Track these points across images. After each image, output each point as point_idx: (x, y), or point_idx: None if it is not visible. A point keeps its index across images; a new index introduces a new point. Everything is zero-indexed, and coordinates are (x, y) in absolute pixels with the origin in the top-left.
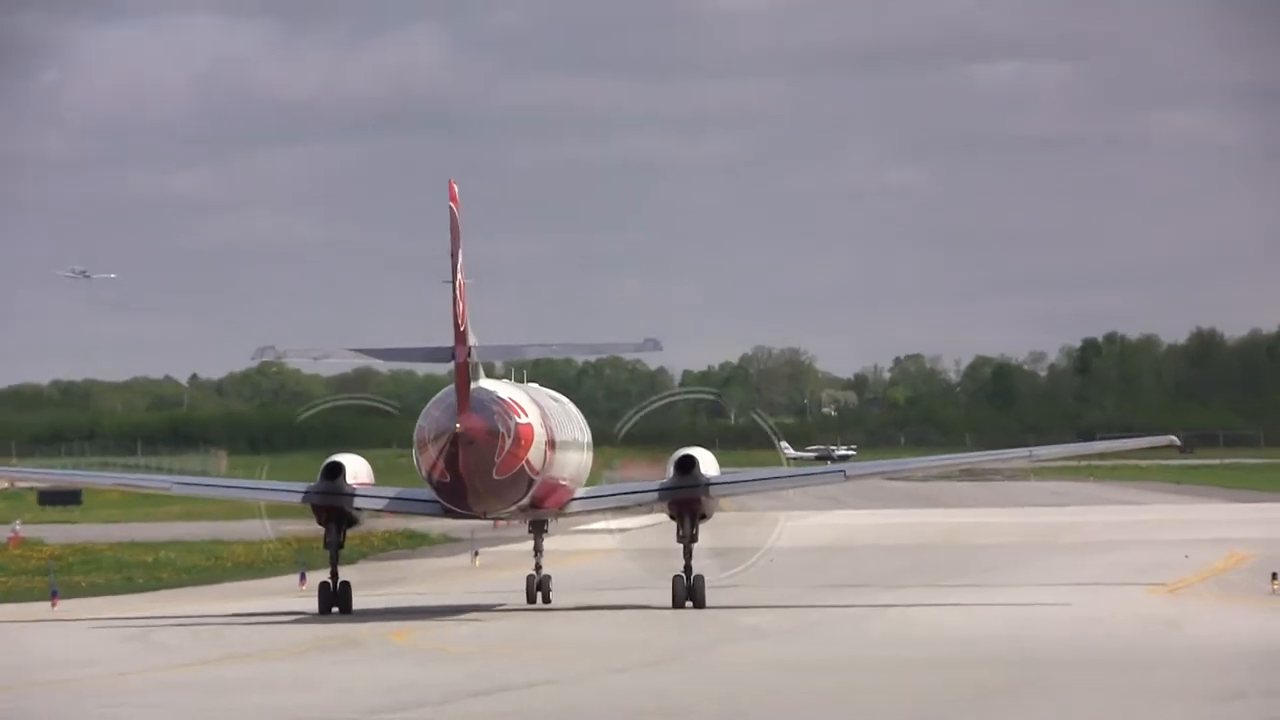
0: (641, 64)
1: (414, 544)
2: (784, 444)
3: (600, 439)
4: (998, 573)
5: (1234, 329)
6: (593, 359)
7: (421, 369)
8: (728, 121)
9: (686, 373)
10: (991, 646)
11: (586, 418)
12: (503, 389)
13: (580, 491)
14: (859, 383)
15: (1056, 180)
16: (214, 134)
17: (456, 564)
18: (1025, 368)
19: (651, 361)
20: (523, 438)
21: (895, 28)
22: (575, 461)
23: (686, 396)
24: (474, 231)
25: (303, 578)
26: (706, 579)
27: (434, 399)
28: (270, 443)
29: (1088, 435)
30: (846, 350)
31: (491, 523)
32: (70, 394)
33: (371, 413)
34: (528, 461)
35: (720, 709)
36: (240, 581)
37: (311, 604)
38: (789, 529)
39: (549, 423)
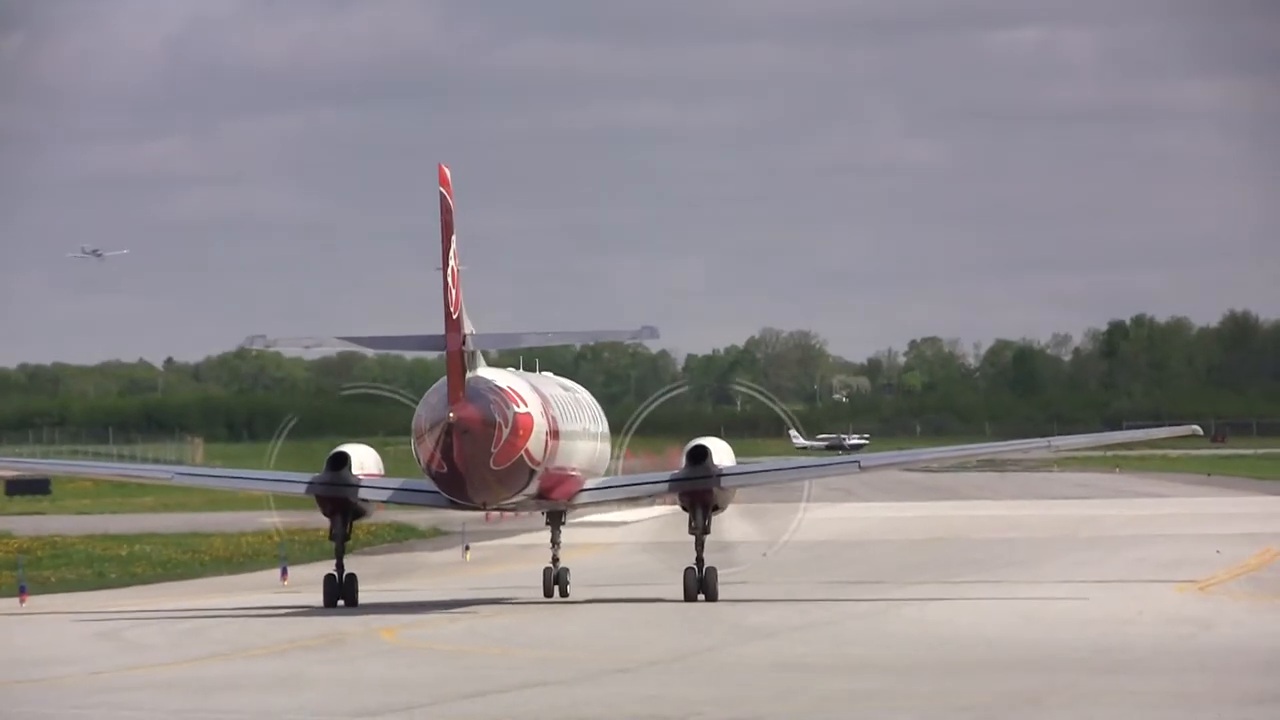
0: (641, 28)
1: (402, 537)
2: (793, 432)
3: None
4: (1018, 569)
5: (1270, 312)
6: (590, 344)
7: (410, 354)
8: (733, 91)
9: (690, 357)
10: (1012, 649)
11: None
12: (501, 377)
13: (590, 482)
14: (872, 368)
15: (1082, 154)
16: (188, 102)
17: (447, 559)
18: (1048, 352)
19: (653, 345)
20: (521, 427)
21: None
22: (587, 451)
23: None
24: (464, 205)
25: (284, 572)
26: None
27: (432, 388)
28: (250, 429)
29: (1114, 424)
30: (859, 333)
31: (484, 516)
32: (38, 378)
33: (355, 401)
34: (527, 451)
35: (729, 714)
36: (219, 576)
37: (314, 598)
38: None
39: (551, 412)
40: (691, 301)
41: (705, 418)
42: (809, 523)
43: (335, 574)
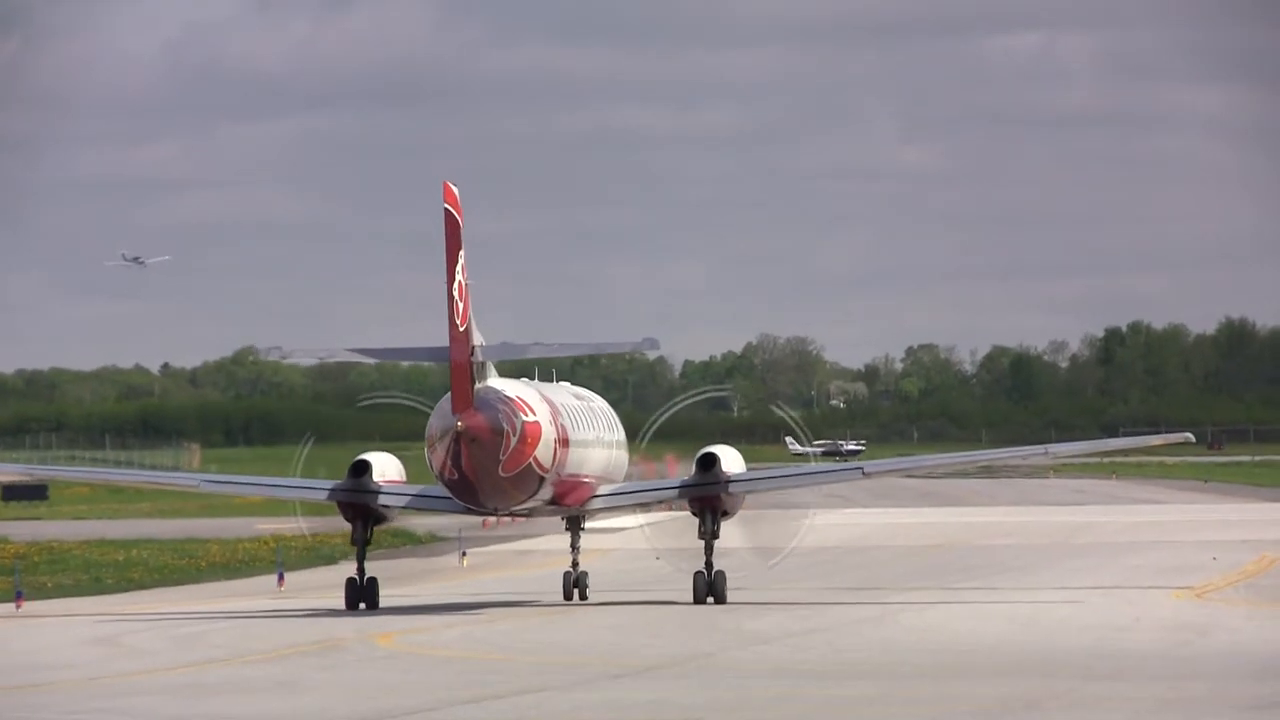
0: (639, 32)
1: (398, 544)
2: (790, 439)
3: None
4: (1016, 575)
5: (1267, 318)
6: (591, 355)
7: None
8: (731, 95)
9: (688, 363)
10: (1009, 654)
11: None
12: (511, 387)
13: (603, 489)
14: (869, 374)
15: (1079, 159)
16: (185, 106)
17: (443, 564)
18: (1045, 358)
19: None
20: (529, 435)
21: None
22: (601, 458)
23: (711, 394)
24: (462, 207)
25: (280, 578)
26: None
27: (445, 397)
28: (247, 435)
29: (1111, 430)
30: (856, 339)
31: (481, 522)
32: (35, 383)
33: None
34: (535, 459)
35: (727, 719)
36: (216, 582)
37: (313, 603)
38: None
39: (561, 420)
40: (689, 306)
41: (703, 424)
42: (806, 529)
43: (357, 577)
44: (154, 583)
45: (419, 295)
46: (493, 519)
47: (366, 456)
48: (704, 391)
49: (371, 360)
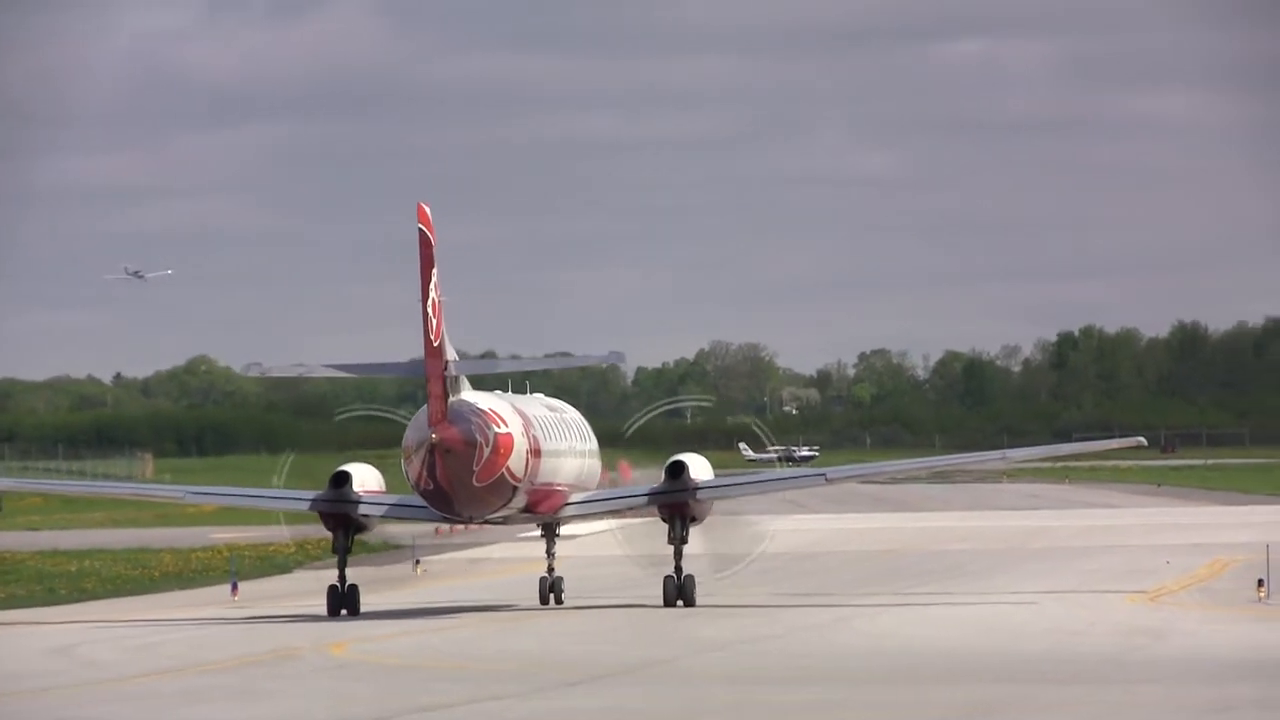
0: (594, 39)
1: (354, 552)
2: (743, 445)
3: None
4: (970, 580)
5: (1218, 322)
6: (556, 369)
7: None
8: (684, 102)
9: (641, 370)
10: (964, 660)
11: None
12: (484, 400)
13: (575, 497)
14: (822, 380)
15: (1031, 166)
16: (139, 116)
17: (398, 573)
18: (998, 363)
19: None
20: (501, 447)
21: (863, 4)
22: (573, 468)
23: (685, 403)
24: (411, 215)
25: (234, 588)
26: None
27: (421, 410)
28: (200, 444)
29: (1064, 435)
30: (809, 345)
31: (434, 529)
32: None
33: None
34: (508, 469)
35: None
36: (169, 592)
37: (265, 611)
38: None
39: (533, 432)
40: (642, 313)
41: (656, 431)
42: (759, 535)
43: (338, 585)
44: (107, 593)
45: (373, 305)
46: (445, 526)
47: (347, 468)
48: (680, 400)
49: (348, 375)
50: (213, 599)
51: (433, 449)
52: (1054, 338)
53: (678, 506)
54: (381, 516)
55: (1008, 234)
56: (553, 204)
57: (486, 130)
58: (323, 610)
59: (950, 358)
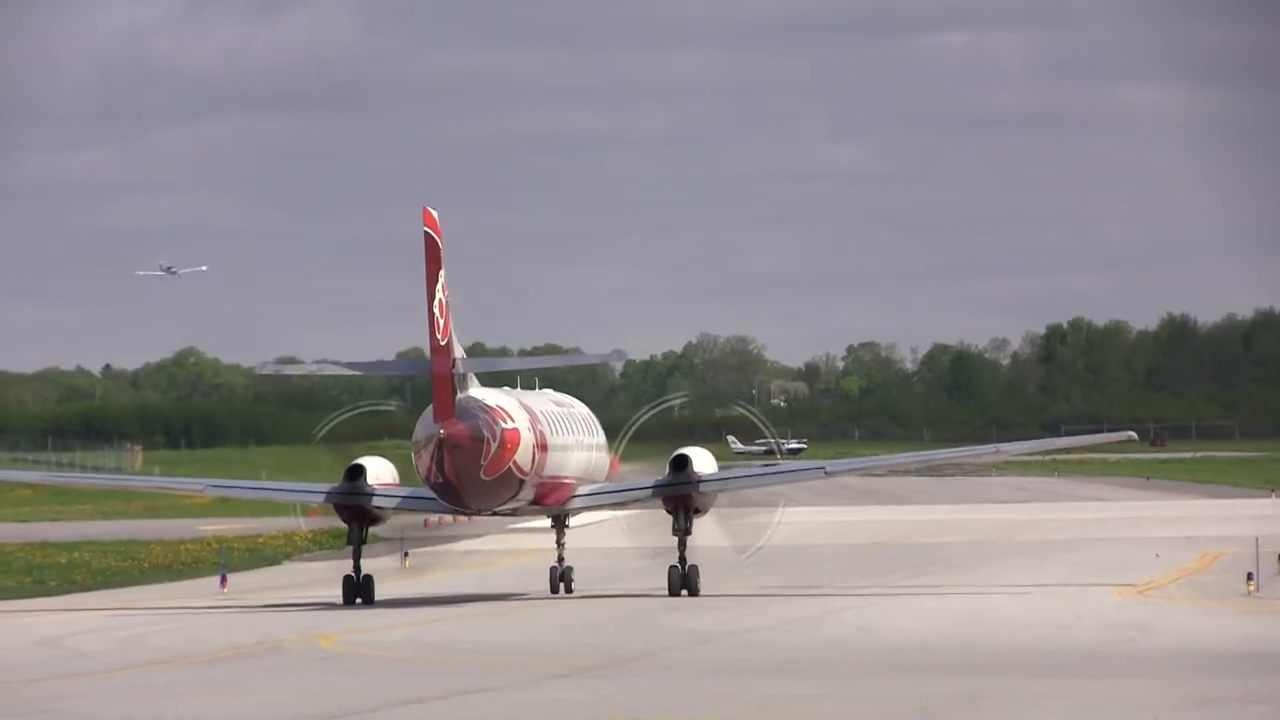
0: (573, 34)
1: (341, 544)
2: (731, 438)
3: None
4: (957, 574)
5: (1207, 315)
6: (560, 365)
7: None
8: (667, 96)
9: (629, 363)
10: (951, 653)
11: None
12: (491, 396)
13: (582, 489)
14: (810, 372)
15: (1019, 159)
16: (118, 111)
17: (385, 565)
18: (986, 356)
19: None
20: (508, 441)
21: None
22: (580, 461)
23: (672, 401)
24: (395, 210)
25: (223, 580)
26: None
27: (430, 406)
28: (188, 437)
29: (1053, 428)
30: (797, 338)
31: (423, 521)
32: None
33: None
34: (515, 463)
35: (667, 718)
36: (159, 584)
37: (251, 601)
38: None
39: (540, 427)
40: (629, 307)
41: (645, 425)
42: (749, 528)
43: (354, 575)
44: (96, 585)
45: (360, 299)
46: (435, 518)
47: (361, 461)
48: (669, 399)
49: (358, 373)
50: (202, 591)
51: (441, 444)
52: (1042, 330)
53: (682, 499)
54: (394, 508)
55: (996, 227)
56: (537, 199)
57: (471, 125)
58: (330, 600)
59: (938, 350)
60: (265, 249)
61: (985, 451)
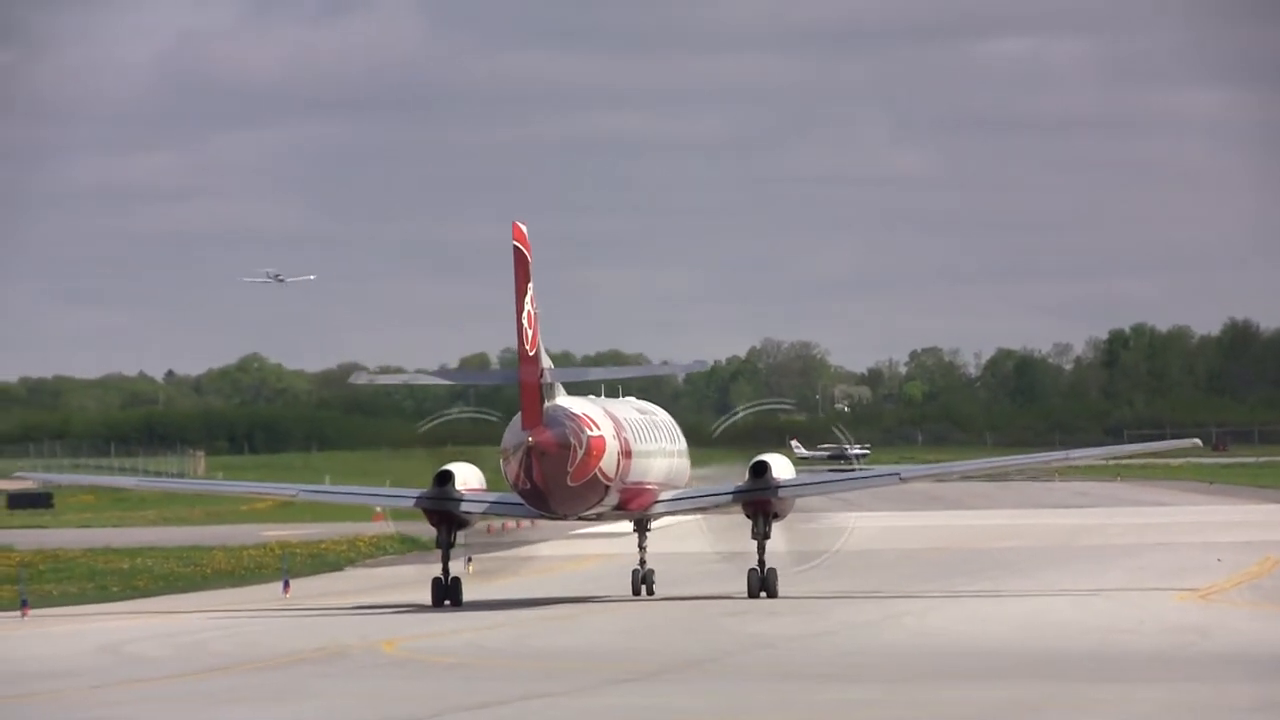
0: (633, 38)
1: (405, 549)
2: (795, 442)
3: None
4: (1019, 579)
5: (1270, 319)
6: (646, 375)
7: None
8: (727, 100)
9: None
10: (1012, 659)
11: None
12: (577, 405)
13: (665, 494)
14: (873, 377)
15: (1081, 162)
16: (180, 116)
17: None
18: (1049, 361)
19: (654, 357)
20: (594, 449)
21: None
22: (663, 467)
23: (766, 406)
24: (454, 216)
25: (285, 585)
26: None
27: (517, 414)
28: (251, 442)
29: (1116, 432)
30: (860, 343)
31: (485, 527)
32: (39, 392)
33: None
34: (600, 469)
35: None
36: (221, 590)
37: (313, 605)
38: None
39: (624, 434)
40: (691, 312)
41: (706, 429)
42: (811, 533)
43: (442, 577)
44: (159, 591)
45: (416, 302)
46: (496, 524)
47: (450, 467)
48: (764, 403)
49: (449, 382)
50: (265, 597)
51: (529, 451)
52: (1105, 335)
53: (761, 504)
54: (482, 513)
55: (1058, 231)
56: (598, 203)
57: (531, 129)
58: (420, 602)
59: (1002, 355)
60: (327, 253)
61: (1056, 458)
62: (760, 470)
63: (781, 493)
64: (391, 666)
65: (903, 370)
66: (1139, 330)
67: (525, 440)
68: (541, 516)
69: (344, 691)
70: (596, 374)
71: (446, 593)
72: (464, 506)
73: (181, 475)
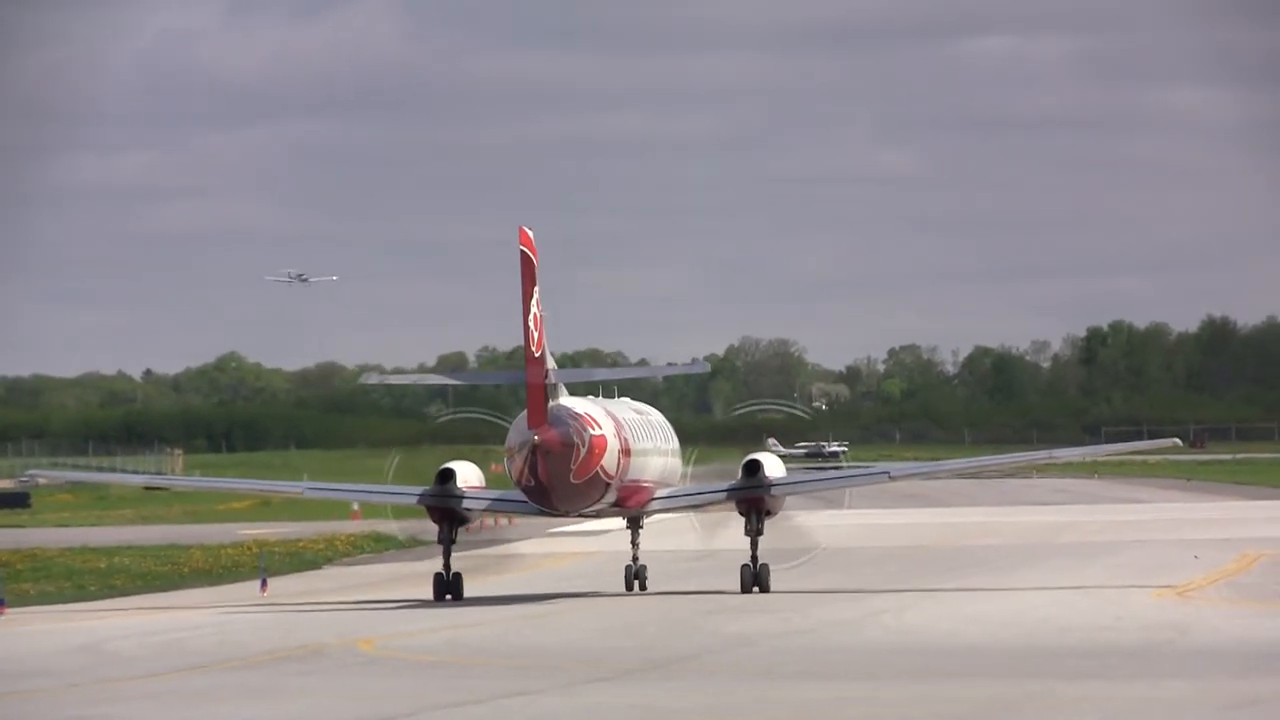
0: (614, 37)
1: (381, 548)
2: (772, 440)
3: None
4: (997, 576)
5: (1248, 316)
6: (647, 376)
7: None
8: (707, 100)
9: (641, 363)
10: (991, 656)
11: None
12: (579, 405)
13: (661, 492)
14: (851, 375)
15: (1058, 160)
16: (161, 115)
17: (427, 568)
18: (1027, 358)
19: (633, 356)
20: (596, 447)
21: (887, 1)
22: (658, 466)
23: (770, 406)
24: (437, 215)
25: (263, 584)
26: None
27: (522, 414)
28: (229, 441)
29: (1094, 430)
30: (838, 341)
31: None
32: (17, 390)
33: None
34: (602, 467)
35: None
36: (199, 588)
37: (292, 605)
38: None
39: (624, 433)
40: (669, 311)
41: (685, 427)
42: (788, 530)
43: (443, 573)
44: (137, 589)
45: (394, 301)
46: (476, 523)
47: (451, 465)
48: (776, 403)
49: (457, 382)
50: (243, 596)
51: (534, 449)
52: (1083, 333)
53: (754, 501)
54: (483, 511)
55: (1037, 229)
56: (576, 202)
57: (513, 129)
58: (421, 598)
59: (980, 353)
60: (307, 252)
61: (1040, 457)
62: (753, 469)
63: (774, 490)
64: (369, 665)
65: (881, 368)
66: (1117, 327)
67: (531, 439)
68: (544, 513)
69: (321, 690)
70: (600, 374)
71: (448, 587)
72: (466, 504)
73: (159, 474)
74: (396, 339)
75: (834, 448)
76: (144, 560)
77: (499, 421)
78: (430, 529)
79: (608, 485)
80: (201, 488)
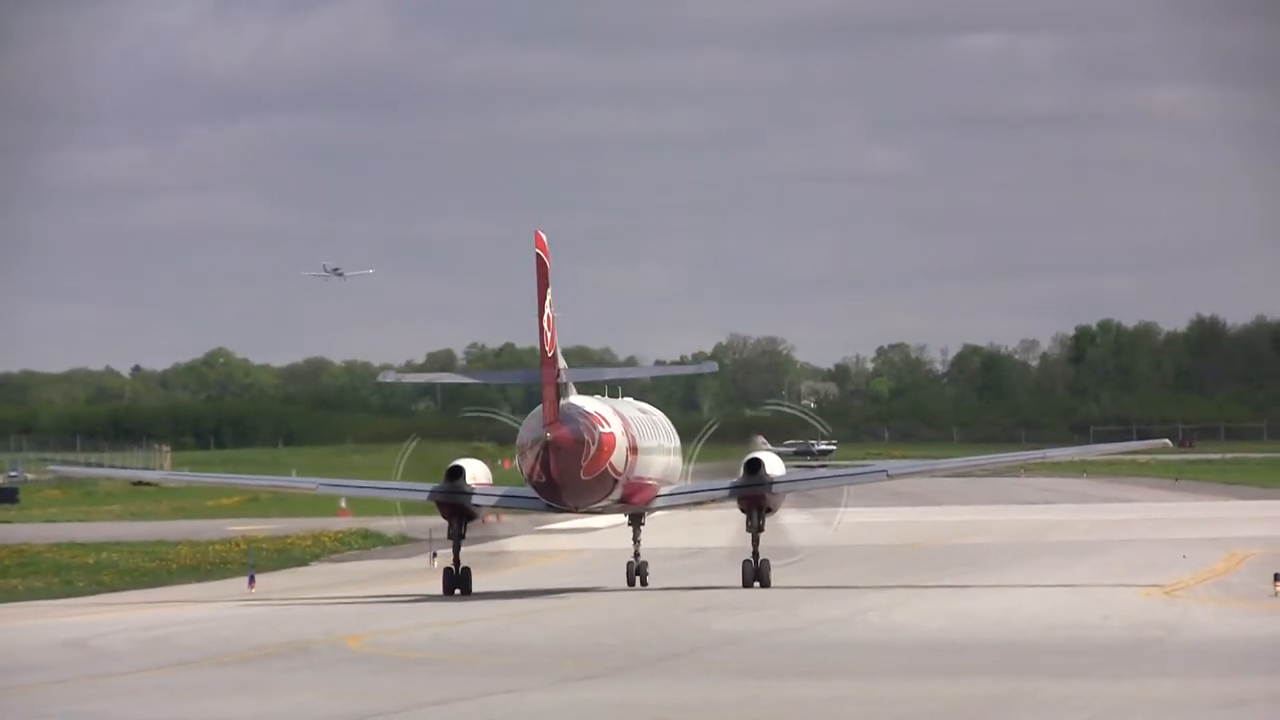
0: (603, 35)
1: (369, 545)
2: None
3: None
4: (985, 575)
5: (1236, 316)
6: (656, 376)
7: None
8: (697, 97)
9: (658, 363)
10: (980, 654)
11: None
12: (589, 403)
13: (664, 489)
14: (840, 374)
15: (1048, 160)
16: (148, 112)
17: (414, 566)
18: (1016, 357)
19: (620, 353)
20: (605, 445)
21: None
22: (662, 463)
23: (783, 408)
24: (423, 212)
25: (251, 580)
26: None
27: (533, 412)
28: (217, 437)
29: (1082, 429)
30: (827, 339)
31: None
32: (5, 386)
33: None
34: (611, 464)
35: (696, 719)
36: (186, 584)
37: (280, 601)
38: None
39: (631, 431)
40: (658, 308)
41: (677, 425)
42: (778, 529)
43: (453, 567)
44: (124, 585)
45: (382, 297)
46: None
47: (460, 462)
48: (774, 403)
49: (473, 381)
50: (230, 592)
51: (546, 446)
52: (1072, 332)
53: (755, 498)
54: (492, 507)
55: (1026, 228)
56: (566, 200)
57: (501, 126)
58: (430, 592)
59: (968, 352)
60: (296, 249)
61: (1034, 457)
62: (754, 467)
63: (775, 488)
64: (356, 661)
65: (869, 367)
66: (1106, 327)
67: (543, 436)
68: (552, 509)
69: (308, 686)
70: (610, 374)
71: (457, 582)
72: (475, 500)
73: (146, 469)
74: (384, 336)
75: (823, 446)
76: (132, 556)
77: (509, 421)
78: (427, 526)
79: (615, 482)
80: (218, 484)
